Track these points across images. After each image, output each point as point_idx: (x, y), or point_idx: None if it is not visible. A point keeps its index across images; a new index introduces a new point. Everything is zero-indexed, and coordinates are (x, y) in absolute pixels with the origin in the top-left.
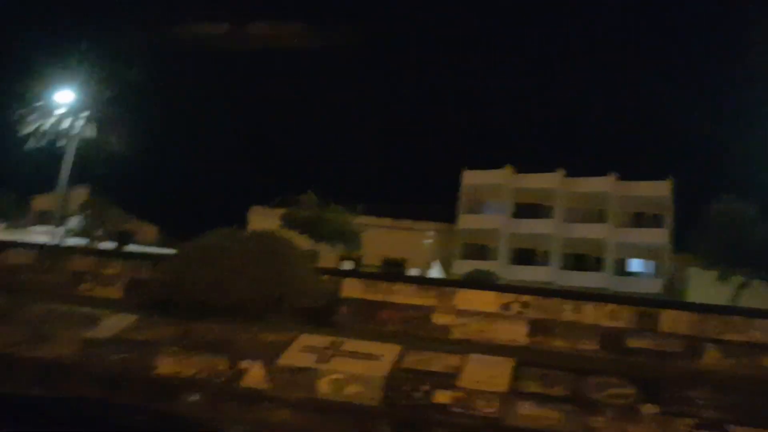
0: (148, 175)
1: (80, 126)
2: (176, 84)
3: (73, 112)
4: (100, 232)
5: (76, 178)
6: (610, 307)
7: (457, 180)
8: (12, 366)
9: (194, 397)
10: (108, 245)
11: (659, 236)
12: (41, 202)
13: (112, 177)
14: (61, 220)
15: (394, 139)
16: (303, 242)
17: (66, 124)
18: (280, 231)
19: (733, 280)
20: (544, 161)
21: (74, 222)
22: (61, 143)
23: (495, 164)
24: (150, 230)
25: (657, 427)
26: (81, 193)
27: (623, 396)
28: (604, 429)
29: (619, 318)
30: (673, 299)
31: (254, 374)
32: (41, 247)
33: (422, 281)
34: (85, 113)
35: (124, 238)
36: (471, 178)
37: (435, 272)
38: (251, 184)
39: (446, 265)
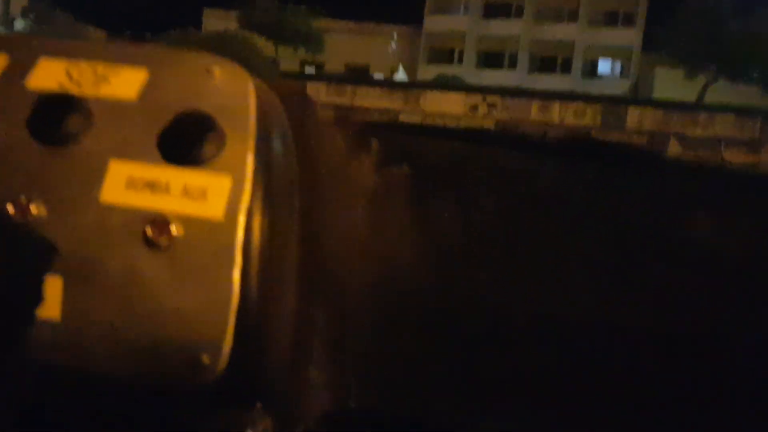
0: None
1: None
2: None
3: None
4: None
5: None
6: (577, 105)
7: None
8: None
9: None
10: None
11: (630, 36)
12: None
13: None
14: (4, 25)
15: None
16: (262, 45)
17: None
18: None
19: (700, 79)
20: None
21: (19, 25)
22: None
23: None
24: (100, 36)
25: None
26: None
27: None
28: None
29: (586, 115)
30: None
31: None
32: None
33: (388, 84)
34: None
35: None
36: None
37: (400, 78)
38: None
39: (411, 71)
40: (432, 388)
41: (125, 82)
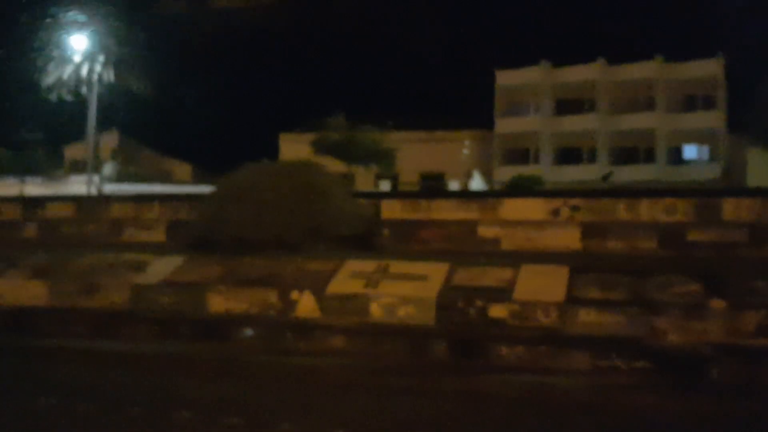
0: (174, 113)
1: (98, 71)
2: (190, 15)
3: (89, 57)
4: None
5: (103, 124)
6: (667, 201)
7: (491, 82)
8: (68, 317)
9: (249, 332)
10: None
11: (713, 119)
12: (73, 151)
13: (139, 119)
14: (94, 168)
15: (418, 48)
16: (336, 166)
17: (84, 70)
18: (311, 157)
19: None
20: (582, 51)
21: (108, 169)
22: (83, 90)
23: (529, 61)
24: (184, 168)
25: (726, 322)
26: (111, 139)
27: (688, 293)
28: (670, 329)
29: (677, 212)
30: (732, 184)
31: (305, 304)
32: (80, 198)
33: (463, 195)
34: (101, 58)
35: None
36: (505, 78)
37: (476, 182)
38: (279, 111)
39: (487, 174)
40: None
41: None
